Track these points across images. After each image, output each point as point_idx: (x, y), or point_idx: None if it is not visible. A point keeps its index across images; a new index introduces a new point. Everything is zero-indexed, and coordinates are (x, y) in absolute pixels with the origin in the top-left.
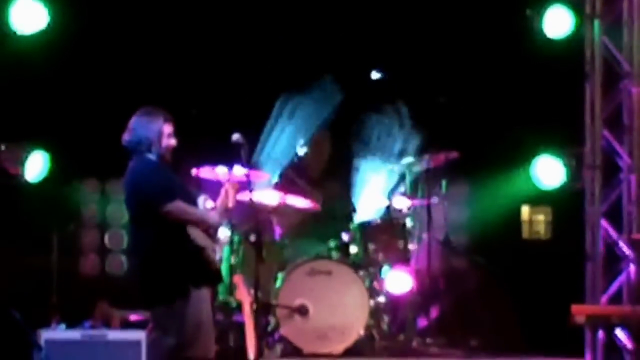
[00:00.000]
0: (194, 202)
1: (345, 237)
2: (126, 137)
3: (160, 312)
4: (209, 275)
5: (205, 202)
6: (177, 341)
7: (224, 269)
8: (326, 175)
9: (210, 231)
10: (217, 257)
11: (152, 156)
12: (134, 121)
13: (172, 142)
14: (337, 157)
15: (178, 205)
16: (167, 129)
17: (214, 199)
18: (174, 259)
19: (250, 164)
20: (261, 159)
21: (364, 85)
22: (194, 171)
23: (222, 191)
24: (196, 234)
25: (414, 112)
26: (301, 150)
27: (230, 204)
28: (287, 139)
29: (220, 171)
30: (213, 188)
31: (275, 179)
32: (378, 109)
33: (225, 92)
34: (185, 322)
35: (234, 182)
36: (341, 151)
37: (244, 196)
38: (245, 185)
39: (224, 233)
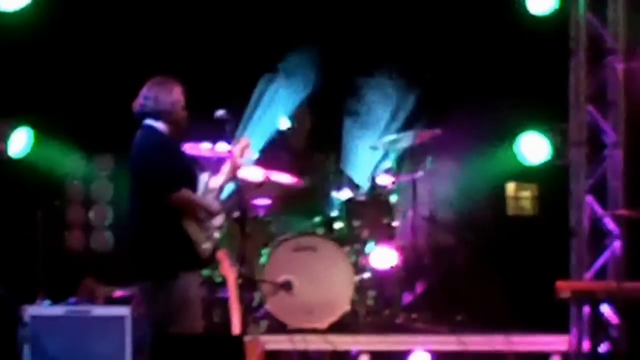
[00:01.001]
0: (195, 181)
1: (330, 213)
2: (147, 104)
3: (148, 286)
4: (199, 261)
5: (208, 180)
6: (163, 316)
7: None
8: (309, 149)
9: (208, 215)
10: (210, 245)
11: (163, 127)
12: (154, 90)
13: (185, 113)
14: (322, 132)
15: (182, 196)
16: (183, 99)
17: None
18: (165, 245)
19: (234, 140)
20: (245, 134)
21: (349, 59)
22: None
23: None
24: (190, 227)
25: (400, 88)
26: (283, 125)
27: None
28: (270, 114)
29: (205, 147)
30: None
31: (258, 155)
32: (366, 82)
33: (209, 67)
34: (173, 298)
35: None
36: (327, 126)
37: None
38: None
39: (220, 219)
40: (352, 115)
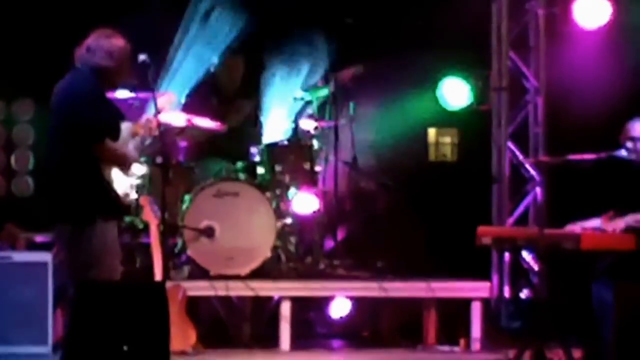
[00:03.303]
0: (119, 130)
1: (252, 158)
2: (88, 54)
3: (66, 230)
4: (117, 209)
5: (128, 130)
6: (80, 262)
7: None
8: (236, 95)
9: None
10: (130, 192)
11: (97, 76)
12: (98, 41)
13: (126, 71)
14: (247, 77)
15: (105, 148)
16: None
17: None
18: (84, 190)
19: (156, 84)
20: (168, 79)
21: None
22: None
23: (144, 123)
24: (109, 170)
25: (322, 34)
26: (213, 69)
27: (151, 140)
28: (195, 57)
29: (126, 92)
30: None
31: (184, 99)
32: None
33: (128, 10)
34: (91, 243)
35: (154, 118)
36: (251, 71)
37: (150, 116)
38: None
39: (142, 168)
40: (272, 61)
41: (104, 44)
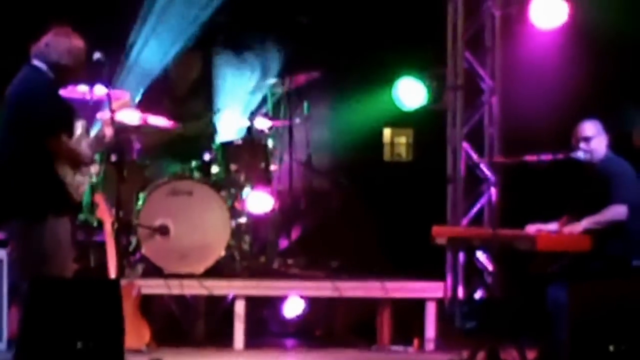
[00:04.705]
0: (73, 128)
1: (206, 157)
2: (44, 51)
3: (17, 225)
4: (69, 206)
5: (82, 129)
6: (31, 258)
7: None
8: (190, 93)
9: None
10: (82, 190)
11: (51, 73)
12: (55, 39)
13: (79, 70)
14: (201, 76)
15: (60, 142)
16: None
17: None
18: (36, 186)
19: (111, 82)
20: (123, 77)
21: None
22: None
23: (99, 127)
24: (62, 167)
25: (275, 33)
26: (168, 68)
27: (107, 140)
28: (150, 56)
29: (82, 90)
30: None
31: (138, 97)
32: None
33: (85, 8)
34: (42, 239)
35: (110, 119)
36: (205, 70)
37: (106, 115)
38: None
39: (93, 167)
40: (225, 61)
41: (63, 42)
